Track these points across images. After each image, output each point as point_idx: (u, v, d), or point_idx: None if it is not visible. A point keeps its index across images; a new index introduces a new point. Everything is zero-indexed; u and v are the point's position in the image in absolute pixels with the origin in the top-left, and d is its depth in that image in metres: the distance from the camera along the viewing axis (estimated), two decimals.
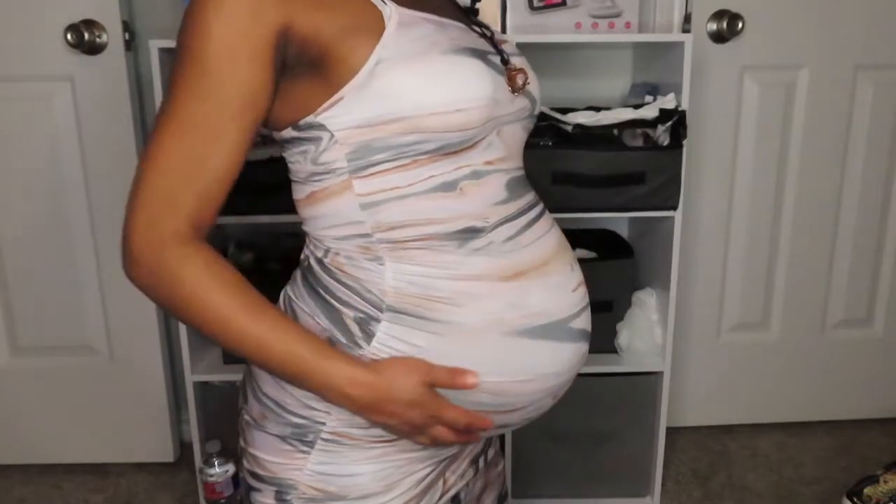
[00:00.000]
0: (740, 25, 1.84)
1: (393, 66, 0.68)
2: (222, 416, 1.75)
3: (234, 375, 1.72)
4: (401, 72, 0.68)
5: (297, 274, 0.82)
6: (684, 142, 1.58)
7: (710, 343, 2.09)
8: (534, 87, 0.83)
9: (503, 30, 1.73)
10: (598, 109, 1.65)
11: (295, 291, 0.81)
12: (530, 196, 0.83)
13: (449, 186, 0.73)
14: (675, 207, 1.61)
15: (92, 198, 1.82)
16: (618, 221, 1.95)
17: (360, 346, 0.75)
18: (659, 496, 1.80)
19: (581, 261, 1.76)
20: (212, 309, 0.69)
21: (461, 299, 0.74)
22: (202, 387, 1.75)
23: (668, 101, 1.58)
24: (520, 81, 0.78)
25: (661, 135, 1.58)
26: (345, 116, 0.70)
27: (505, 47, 0.82)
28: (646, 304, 1.75)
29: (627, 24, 1.74)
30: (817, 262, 2.06)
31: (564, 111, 1.63)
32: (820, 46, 1.90)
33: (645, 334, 1.73)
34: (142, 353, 1.92)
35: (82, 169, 1.81)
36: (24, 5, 1.71)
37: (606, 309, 1.73)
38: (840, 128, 1.97)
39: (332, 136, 0.71)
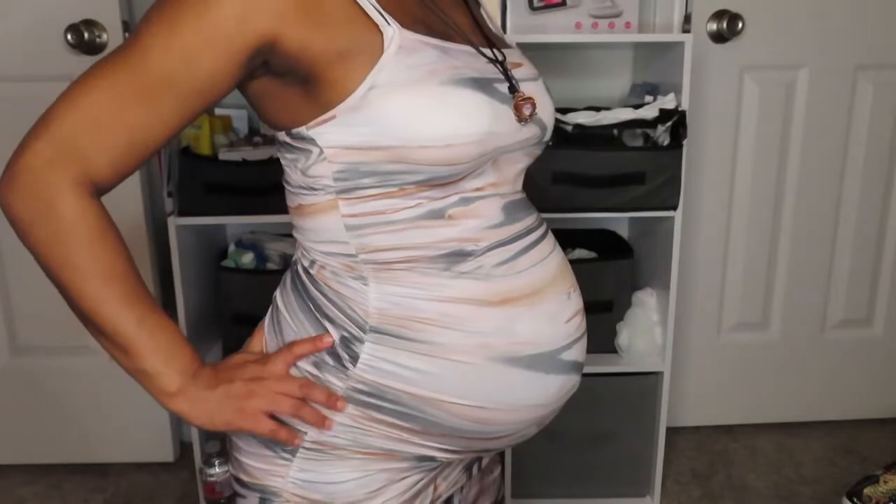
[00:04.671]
0: (740, 25, 1.84)
1: (386, 92, 0.66)
2: None
3: None
4: (393, 100, 0.66)
5: (287, 278, 0.81)
6: (684, 142, 1.58)
7: (710, 343, 2.09)
8: (545, 113, 0.79)
9: (503, 30, 1.73)
10: (598, 109, 1.65)
11: (285, 299, 0.80)
12: (531, 219, 0.80)
13: (436, 214, 0.72)
14: (675, 207, 1.61)
15: None
16: (618, 221, 1.95)
17: (347, 368, 0.74)
18: (659, 496, 1.81)
19: (581, 261, 1.77)
20: (74, 259, 0.68)
21: (447, 320, 0.72)
22: None
23: (668, 101, 1.58)
24: (526, 112, 0.74)
25: (661, 135, 1.58)
26: (334, 135, 0.68)
27: (520, 71, 0.78)
28: (646, 304, 1.75)
29: (627, 24, 1.74)
30: (817, 262, 2.06)
31: (564, 111, 1.63)
32: (820, 46, 1.90)
33: (645, 334, 1.73)
34: None
35: None
36: (24, 5, 1.71)
37: (606, 309, 1.73)
38: (840, 128, 1.97)
39: (322, 151, 0.70)
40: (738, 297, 2.07)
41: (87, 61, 1.73)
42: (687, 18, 1.83)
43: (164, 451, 2.00)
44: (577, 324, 0.82)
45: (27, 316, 1.92)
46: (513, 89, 0.75)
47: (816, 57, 1.91)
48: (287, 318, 0.78)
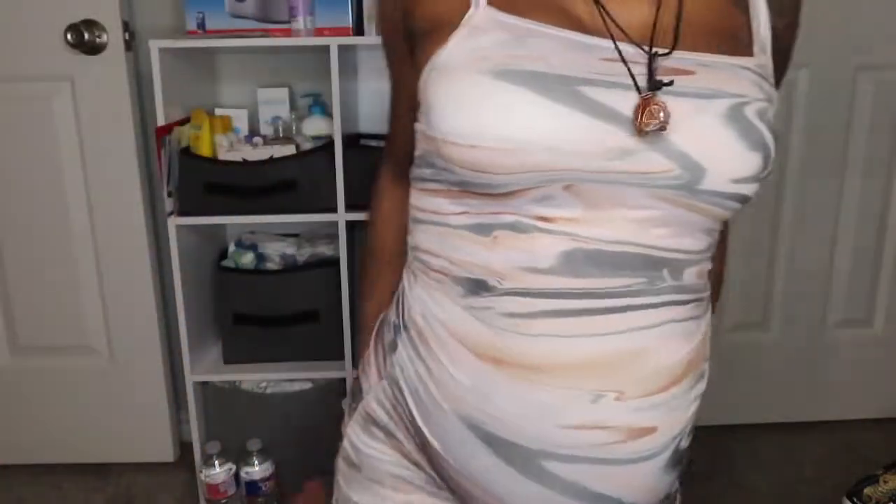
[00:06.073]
0: None
1: (438, 76, 0.59)
2: (222, 416, 1.75)
3: (234, 375, 1.72)
4: (439, 85, 0.59)
5: None
6: None
7: (710, 343, 2.09)
8: (694, 144, 0.56)
9: None
10: None
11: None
12: (612, 283, 0.59)
13: (482, 230, 0.61)
14: None
15: (92, 198, 1.82)
16: None
17: (394, 351, 0.71)
18: None
19: None
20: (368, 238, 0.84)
21: (442, 354, 0.64)
22: (202, 387, 1.75)
23: None
24: (648, 120, 0.55)
25: None
26: (420, 118, 0.64)
27: (684, 80, 0.57)
28: None
29: None
30: (817, 262, 2.06)
31: None
32: (820, 46, 1.90)
33: None
34: (142, 353, 1.92)
35: (82, 169, 1.81)
36: (24, 5, 1.71)
37: None
38: (840, 128, 1.97)
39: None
40: (738, 296, 2.06)
41: (87, 61, 1.73)
42: None
43: (164, 451, 2.00)
44: (596, 441, 0.61)
45: (27, 316, 1.92)
46: (654, 87, 0.56)
47: (816, 57, 1.91)
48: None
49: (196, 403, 1.72)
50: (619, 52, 0.58)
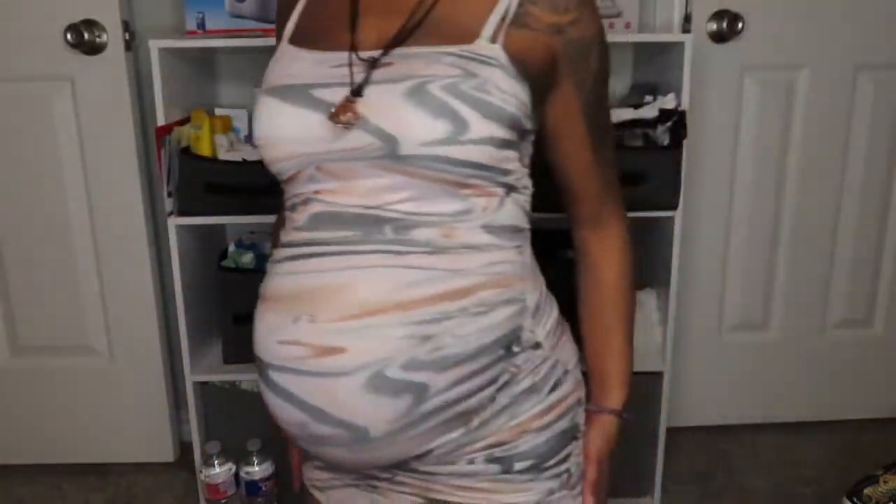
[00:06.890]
0: (740, 25, 1.84)
1: None
2: (222, 416, 1.75)
3: (234, 375, 1.71)
4: None
5: None
6: (684, 142, 1.58)
7: (711, 343, 2.09)
8: (390, 121, 0.71)
9: None
10: None
11: None
12: (342, 234, 0.74)
13: (293, 209, 0.79)
14: (675, 207, 1.61)
15: (92, 198, 1.82)
16: None
17: None
18: (659, 496, 1.80)
19: None
20: None
21: None
22: (202, 387, 1.75)
23: (668, 101, 1.58)
24: (341, 117, 0.72)
25: (661, 135, 1.58)
26: None
27: (385, 71, 0.73)
28: (646, 305, 1.75)
29: (627, 25, 1.74)
30: (817, 262, 2.06)
31: None
32: (820, 46, 1.90)
33: (645, 334, 1.73)
34: (142, 353, 1.92)
35: (82, 169, 1.81)
36: (24, 5, 1.71)
37: None
38: (840, 128, 1.97)
39: None
40: (738, 297, 2.06)
41: (87, 61, 1.73)
42: (687, 18, 1.82)
43: (164, 451, 2.00)
44: (295, 355, 0.74)
45: (27, 316, 1.92)
46: (357, 93, 0.72)
47: (816, 57, 1.91)
48: None
49: (196, 403, 1.72)
50: (350, 60, 0.75)
